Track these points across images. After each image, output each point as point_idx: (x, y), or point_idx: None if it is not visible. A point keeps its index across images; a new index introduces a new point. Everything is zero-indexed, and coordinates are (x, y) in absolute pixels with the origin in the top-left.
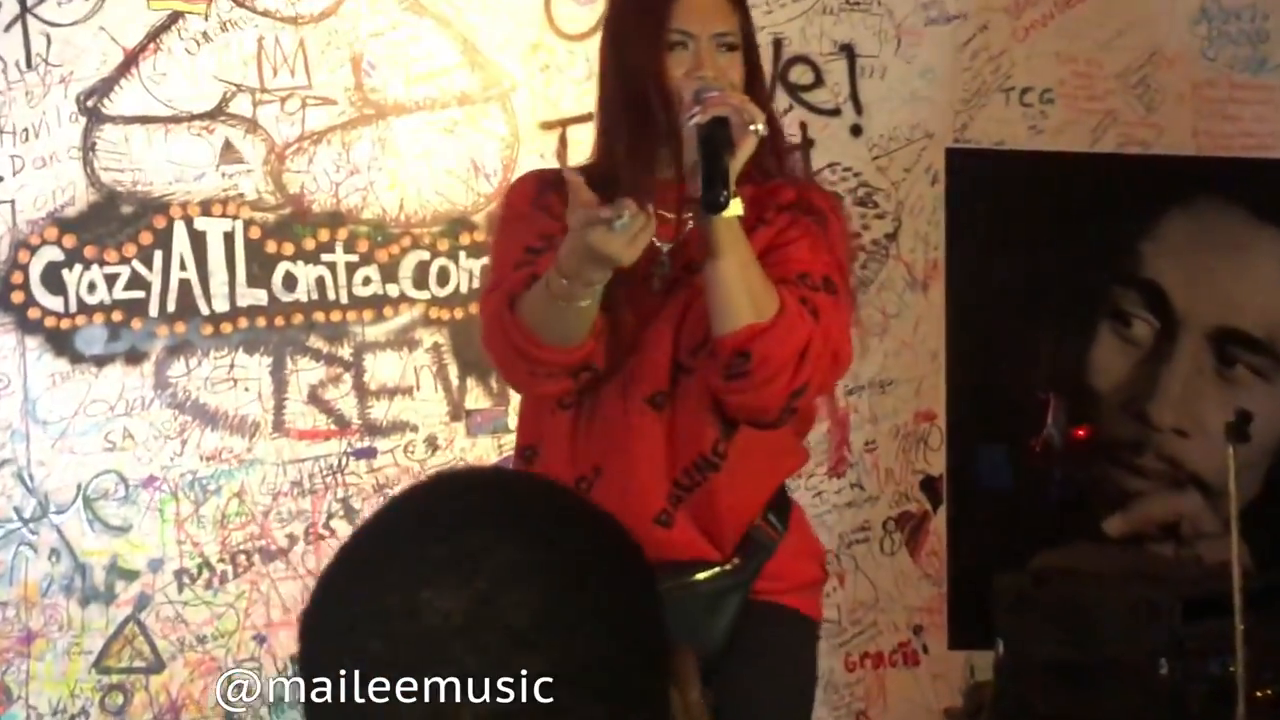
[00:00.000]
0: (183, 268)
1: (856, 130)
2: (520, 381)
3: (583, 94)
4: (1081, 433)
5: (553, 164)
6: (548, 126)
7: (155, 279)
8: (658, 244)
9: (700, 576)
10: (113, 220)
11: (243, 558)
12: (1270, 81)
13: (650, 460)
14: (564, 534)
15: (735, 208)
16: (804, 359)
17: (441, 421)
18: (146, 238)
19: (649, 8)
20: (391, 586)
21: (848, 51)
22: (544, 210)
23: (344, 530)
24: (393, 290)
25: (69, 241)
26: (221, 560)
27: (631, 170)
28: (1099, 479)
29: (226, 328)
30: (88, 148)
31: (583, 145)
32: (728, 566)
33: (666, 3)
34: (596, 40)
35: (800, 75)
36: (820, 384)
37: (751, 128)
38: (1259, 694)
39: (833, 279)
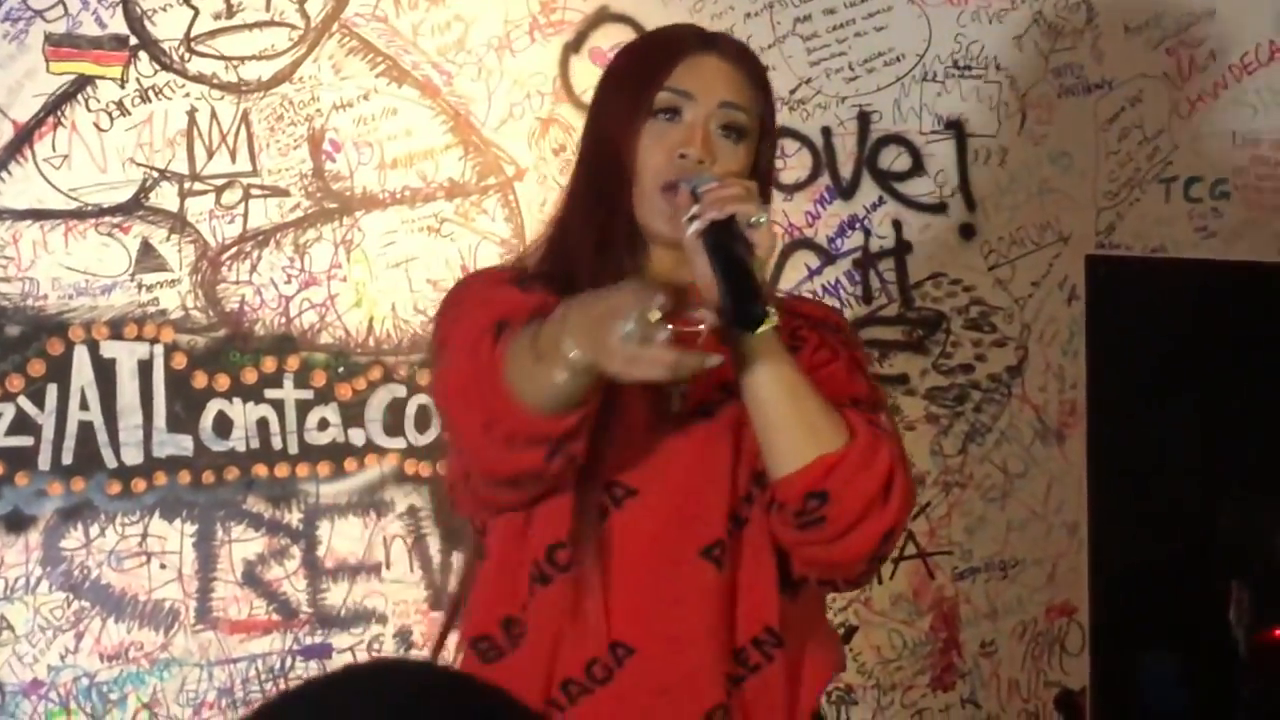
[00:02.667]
0: (84, 407)
1: (968, 231)
2: (476, 442)
3: None
4: (1277, 634)
5: None
6: None
7: (48, 421)
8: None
9: None
10: None
11: None
12: None
13: (709, 636)
14: None
15: (771, 318)
16: (889, 493)
17: (418, 610)
18: (38, 367)
19: (645, 59)
20: None
21: (956, 129)
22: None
23: None
24: (357, 437)
25: None
26: None
27: (597, 271)
28: None
29: (139, 486)
30: None
31: None
32: None
33: (667, 57)
34: None
35: (893, 160)
36: (905, 524)
37: (760, 220)
38: None
39: (883, 402)
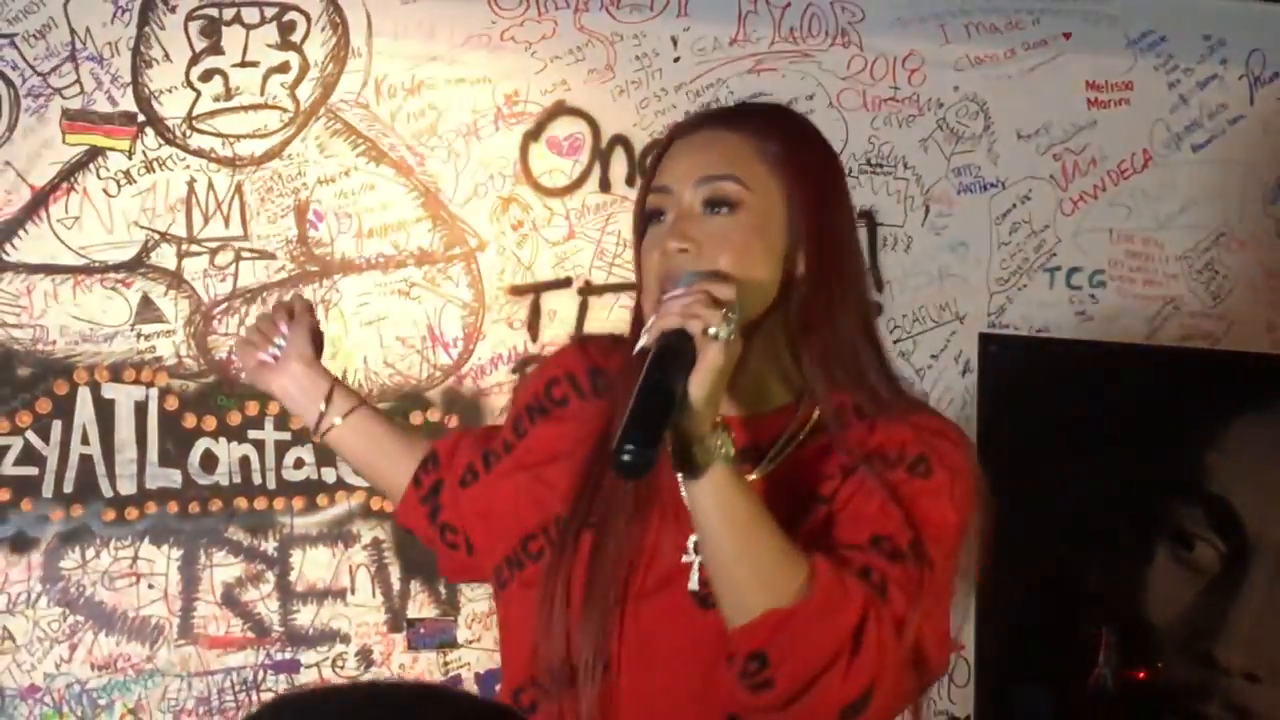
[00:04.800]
0: (85, 441)
1: (876, 309)
2: None
3: (560, 256)
4: (1141, 675)
5: (522, 336)
6: (518, 292)
7: (52, 454)
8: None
9: None
10: (6, 384)
11: None
12: None
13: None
14: None
15: (719, 445)
16: (858, 653)
17: (378, 632)
18: (44, 405)
19: (651, 161)
20: None
21: (867, 219)
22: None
23: None
24: (329, 475)
25: None
26: None
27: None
28: None
29: (132, 514)
30: None
31: (558, 314)
32: None
33: (658, 156)
34: (577, 196)
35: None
36: (893, 691)
37: (718, 332)
38: None
39: (925, 547)
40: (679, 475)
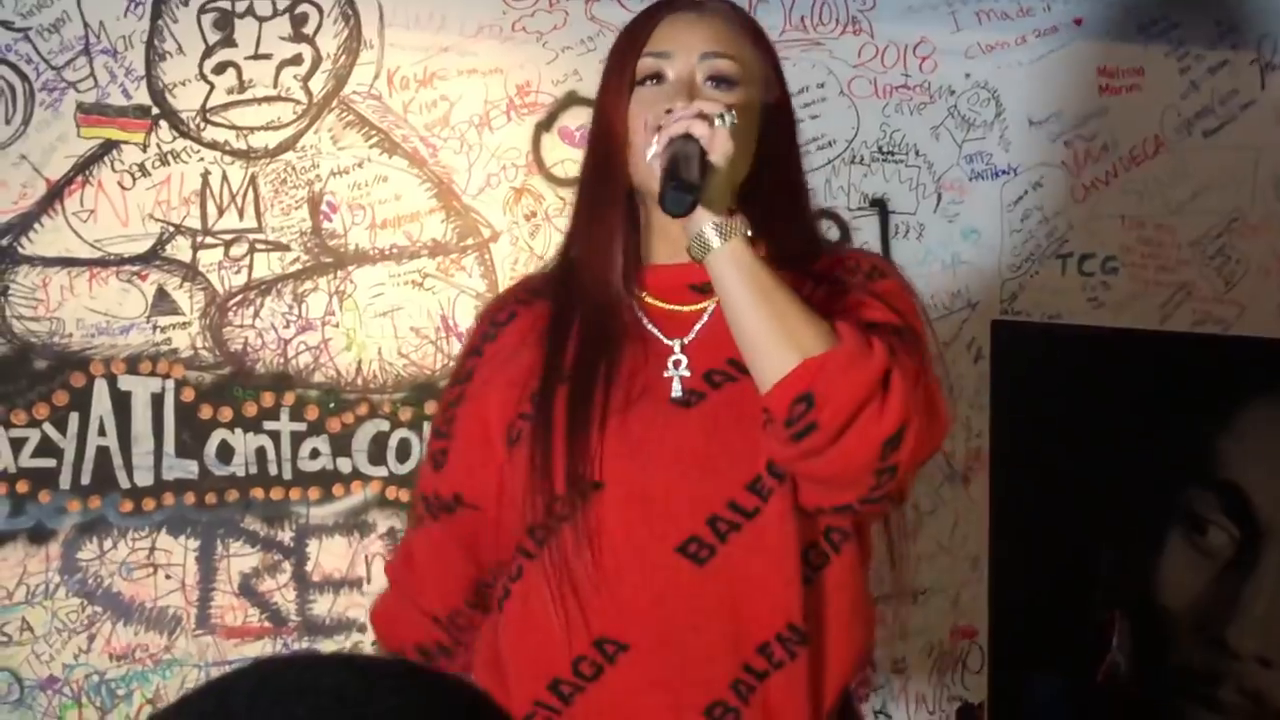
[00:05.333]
0: (102, 433)
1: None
2: None
3: None
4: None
5: None
6: None
7: (69, 445)
8: (666, 341)
9: None
10: (23, 376)
11: None
12: None
13: (696, 632)
14: None
15: (737, 225)
16: (888, 393)
17: None
18: (61, 397)
19: (629, 31)
20: None
21: (880, 207)
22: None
23: None
24: (344, 465)
25: None
26: None
27: (593, 252)
28: (1168, 715)
29: (149, 504)
30: None
31: None
32: None
33: (646, 23)
34: None
35: (825, 233)
36: (919, 436)
37: (724, 120)
38: None
39: (915, 328)
40: (702, 257)
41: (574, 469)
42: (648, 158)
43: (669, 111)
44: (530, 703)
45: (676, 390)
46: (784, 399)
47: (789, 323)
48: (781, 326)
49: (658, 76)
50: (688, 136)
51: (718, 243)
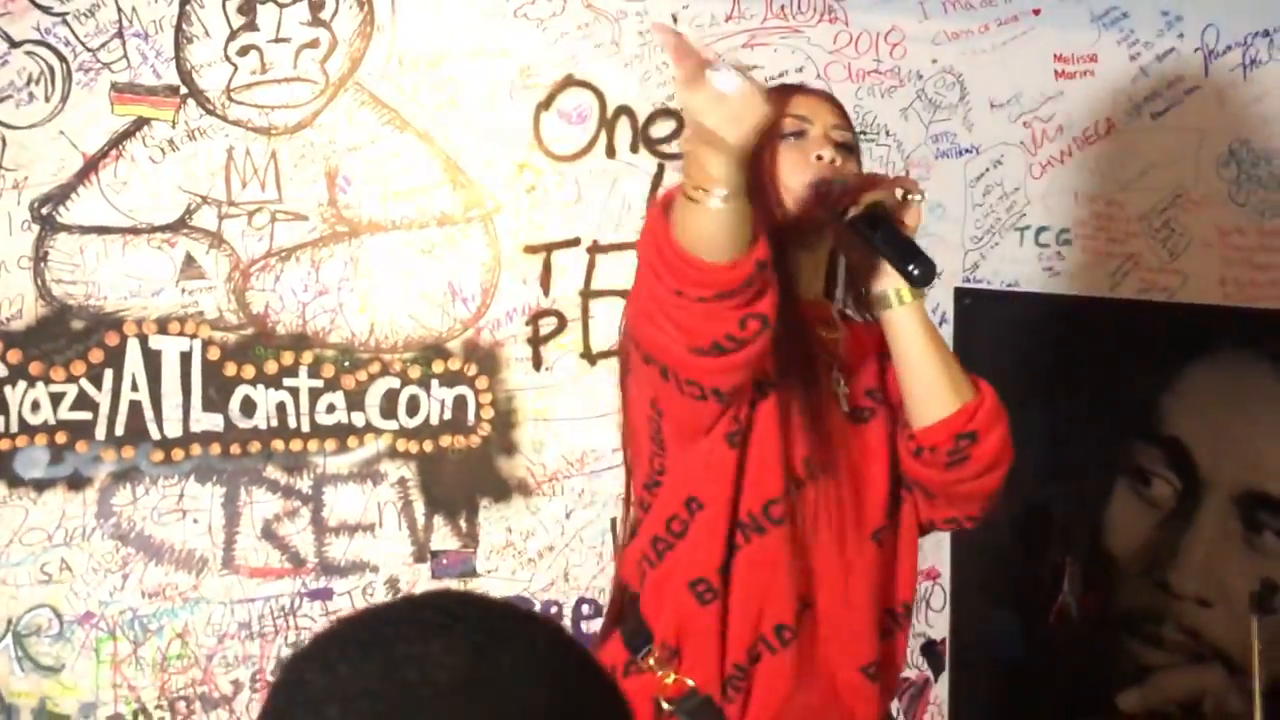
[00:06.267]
0: (134, 389)
1: None
2: (674, 316)
3: (570, 218)
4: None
5: (535, 291)
6: (532, 250)
7: (104, 400)
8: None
9: None
10: (62, 336)
11: (182, 704)
12: None
13: (870, 604)
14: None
15: (915, 287)
16: (1009, 438)
17: (404, 563)
18: (97, 355)
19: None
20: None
21: None
22: None
23: None
24: (358, 419)
25: (13, 357)
26: (159, 707)
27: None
28: (1114, 651)
29: (178, 454)
30: (39, 258)
31: (568, 271)
32: None
33: (784, 96)
34: (585, 162)
35: None
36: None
37: (916, 198)
38: None
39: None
40: (887, 310)
41: (818, 451)
42: (839, 220)
43: (819, 158)
44: (751, 639)
45: (844, 405)
46: (949, 433)
47: (952, 371)
48: (948, 373)
49: (800, 135)
50: (879, 205)
51: (909, 298)
